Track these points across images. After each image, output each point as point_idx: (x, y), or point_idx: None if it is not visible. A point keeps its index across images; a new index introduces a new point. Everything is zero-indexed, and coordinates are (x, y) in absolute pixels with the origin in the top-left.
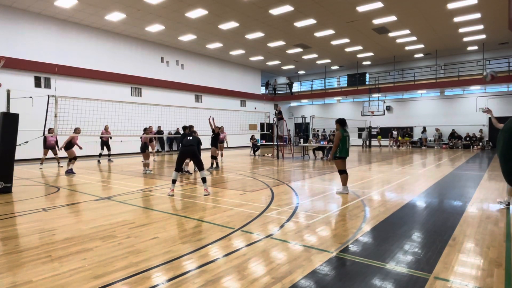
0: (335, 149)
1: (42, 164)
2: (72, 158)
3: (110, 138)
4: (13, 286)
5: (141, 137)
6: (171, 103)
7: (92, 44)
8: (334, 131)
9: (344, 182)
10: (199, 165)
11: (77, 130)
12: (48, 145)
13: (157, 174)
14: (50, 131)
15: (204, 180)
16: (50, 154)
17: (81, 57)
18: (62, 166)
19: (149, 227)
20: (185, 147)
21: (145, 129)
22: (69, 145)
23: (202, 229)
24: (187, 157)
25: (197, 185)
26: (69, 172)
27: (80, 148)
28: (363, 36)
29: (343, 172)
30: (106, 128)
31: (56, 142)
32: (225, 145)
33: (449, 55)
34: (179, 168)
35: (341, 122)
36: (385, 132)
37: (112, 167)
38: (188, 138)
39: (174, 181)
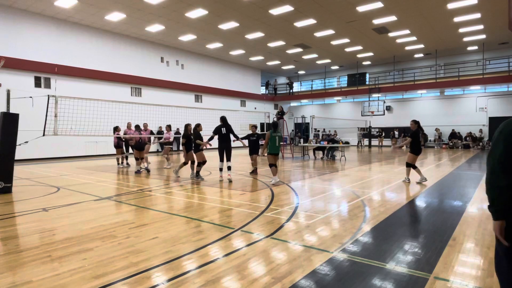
0: (265, 147)
1: (121, 163)
2: None
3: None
4: (13, 286)
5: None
6: (171, 103)
7: (92, 44)
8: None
9: (274, 173)
10: (229, 157)
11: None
12: (120, 144)
13: (157, 174)
14: (118, 129)
15: (229, 168)
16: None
17: (81, 57)
18: (129, 165)
19: (149, 227)
20: (224, 143)
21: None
22: None
23: (202, 229)
24: (226, 151)
25: (198, 185)
26: None
27: None
28: (363, 36)
29: (272, 166)
30: (129, 126)
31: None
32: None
33: (449, 55)
34: (222, 158)
35: (273, 125)
36: (386, 132)
37: (112, 167)
38: (223, 131)
39: (221, 169)
